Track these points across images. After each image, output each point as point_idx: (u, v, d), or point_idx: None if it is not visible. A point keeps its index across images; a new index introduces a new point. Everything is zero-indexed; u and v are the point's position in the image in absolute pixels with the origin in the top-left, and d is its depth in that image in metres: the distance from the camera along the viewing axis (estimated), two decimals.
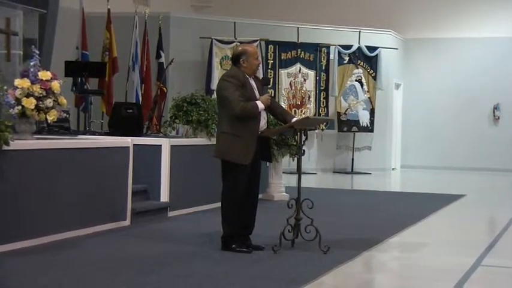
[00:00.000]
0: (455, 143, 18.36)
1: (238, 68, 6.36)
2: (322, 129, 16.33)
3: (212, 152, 6.48)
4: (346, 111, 16.79)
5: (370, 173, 16.56)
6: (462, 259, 6.40)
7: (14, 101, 6.54)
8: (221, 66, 15.18)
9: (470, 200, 11.60)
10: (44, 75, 6.68)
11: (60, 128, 10.23)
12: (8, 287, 4.89)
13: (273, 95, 14.47)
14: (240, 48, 6.60)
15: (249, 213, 6.41)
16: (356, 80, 16.83)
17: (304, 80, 16.34)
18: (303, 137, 6.53)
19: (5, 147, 5.96)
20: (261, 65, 15.55)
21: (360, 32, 16.84)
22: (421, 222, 8.74)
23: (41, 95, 6.60)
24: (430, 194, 12.14)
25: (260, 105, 6.26)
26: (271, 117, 6.72)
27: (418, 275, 5.83)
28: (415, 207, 10.23)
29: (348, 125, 16.81)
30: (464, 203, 11.16)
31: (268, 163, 10.14)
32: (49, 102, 6.66)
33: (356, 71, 16.82)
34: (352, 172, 16.68)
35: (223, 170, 6.37)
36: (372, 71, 16.90)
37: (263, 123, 6.35)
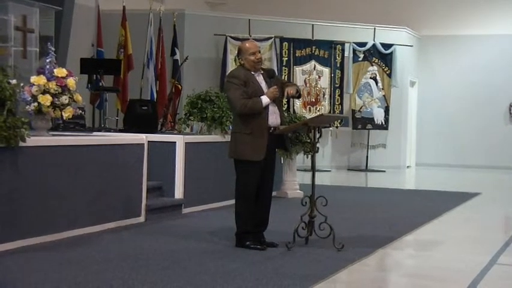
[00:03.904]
0: (471, 140, 18.28)
1: (242, 65, 6.40)
2: (337, 127, 16.32)
3: (227, 150, 6.50)
4: (360, 108, 16.77)
5: (384, 171, 16.52)
6: (477, 257, 6.37)
7: (30, 98, 6.59)
8: (236, 64, 15.16)
9: (486, 198, 11.55)
10: (60, 72, 6.73)
11: (76, 124, 10.31)
12: (23, 283, 4.92)
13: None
14: (238, 46, 6.65)
15: (263, 210, 6.42)
16: (371, 78, 16.80)
17: (319, 77, 16.33)
18: (317, 134, 6.53)
19: (22, 144, 6.01)
20: (275, 62, 15.62)
21: (374, 29, 16.80)
22: (436, 220, 8.71)
23: (57, 92, 6.65)
24: (445, 192, 12.09)
25: (265, 100, 6.24)
26: (286, 114, 6.70)
27: (432, 273, 5.81)
28: (429, 205, 10.20)
29: (362, 122, 16.78)
30: (479, 201, 11.11)
31: (282, 160, 10.17)
32: (65, 99, 6.70)
33: (371, 68, 16.79)
34: (367, 170, 16.65)
35: (236, 167, 6.39)
36: (386, 68, 16.86)
37: (273, 118, 6.31)
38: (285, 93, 6.41)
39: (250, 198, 6.30)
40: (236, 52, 6.87)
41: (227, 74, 6.67)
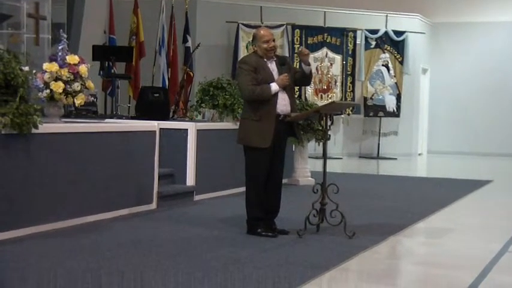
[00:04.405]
0: (483, 128, 18.21)
1: (255, 52, 6.40)
2: (348, 114, 16.29)
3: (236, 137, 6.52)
4: (372, 96, 16.72)
5: (396, 158, 16.50)
6: (489, 245, 6.36)
7: (42, 85, 6.62)
8: (247, 51, 15.15)
9: (498, 185, 11.52)
10: (72, 59, 6.75)
11: (88, 111, 10.35)
12: (36, 269, 4.95)
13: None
14: (253, 32, 6.66)
15: (273, 196, 6.43)
16: (383, 65, 16.75)
17: (331, 64, 16.29)
18: (329, 122, 6.52)
19: (34, 131, 6.03)
20: (287, 49, 15.59)
21: (387, 16, 16.73)
22: (447, 207, 8.70)
23: (69, 79, 6.67)
24: (456, 180, 12.06)
25: (274, 87, 6.23)
26: (298, 101, 6.69)
27: (443, 261, 5.80)
28: (441, 192, 10.18)
29: (374, 109, 16.74)
30: (491, 188, 11.08)
31: (293, 147, 10.16)
32: (77, 86, 6.72)
33: (383, 55, 16.73)
34: (378, 157, 16.63)
35: (245, 154, 6.41)
36: (398, 56, 16.80)
37: (283, 105, 6.29)
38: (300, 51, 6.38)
39: (259, 184, 6.30)
40: (248, 39, 6.87)
41: (239, 60, 6.66)
